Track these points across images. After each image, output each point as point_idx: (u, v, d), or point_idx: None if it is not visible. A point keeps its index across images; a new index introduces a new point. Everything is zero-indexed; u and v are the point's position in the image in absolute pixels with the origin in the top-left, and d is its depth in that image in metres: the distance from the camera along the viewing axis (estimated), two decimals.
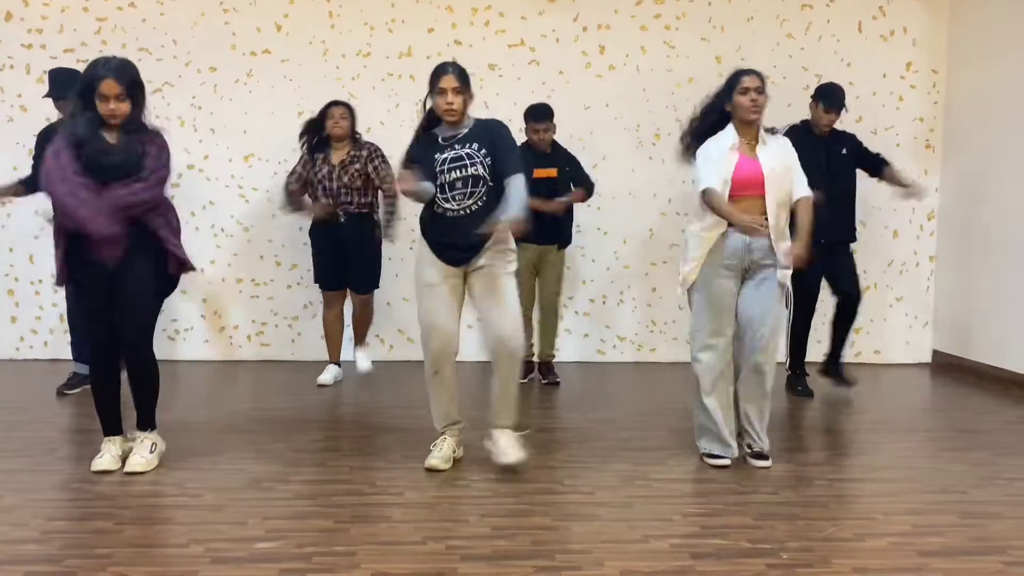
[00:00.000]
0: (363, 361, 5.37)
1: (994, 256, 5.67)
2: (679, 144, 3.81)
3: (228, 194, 5.87)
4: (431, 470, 3.46)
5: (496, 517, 2.99)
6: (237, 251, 5.92)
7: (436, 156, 3.44)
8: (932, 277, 6.29)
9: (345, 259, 5.12)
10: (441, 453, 3.52)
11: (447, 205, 3.43)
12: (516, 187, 3.37)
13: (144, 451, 3.47)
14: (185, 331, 5.91)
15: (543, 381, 5.33)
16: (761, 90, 3.56)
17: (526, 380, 5.29)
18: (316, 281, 5.32)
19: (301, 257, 5.74)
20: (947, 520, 3.04)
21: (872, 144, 5.25)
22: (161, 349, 5.63)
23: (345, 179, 4.97)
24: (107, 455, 3.45)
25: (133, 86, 3.32)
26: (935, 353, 6.27)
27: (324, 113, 5.04)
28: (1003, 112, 5.58)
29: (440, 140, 3.48)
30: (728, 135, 3.59)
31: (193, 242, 5.80)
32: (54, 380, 4.95)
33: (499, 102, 5.72)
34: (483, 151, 3.43)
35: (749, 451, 3.64)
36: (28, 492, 3.18)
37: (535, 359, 5.36)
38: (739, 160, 3.53)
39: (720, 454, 3.61)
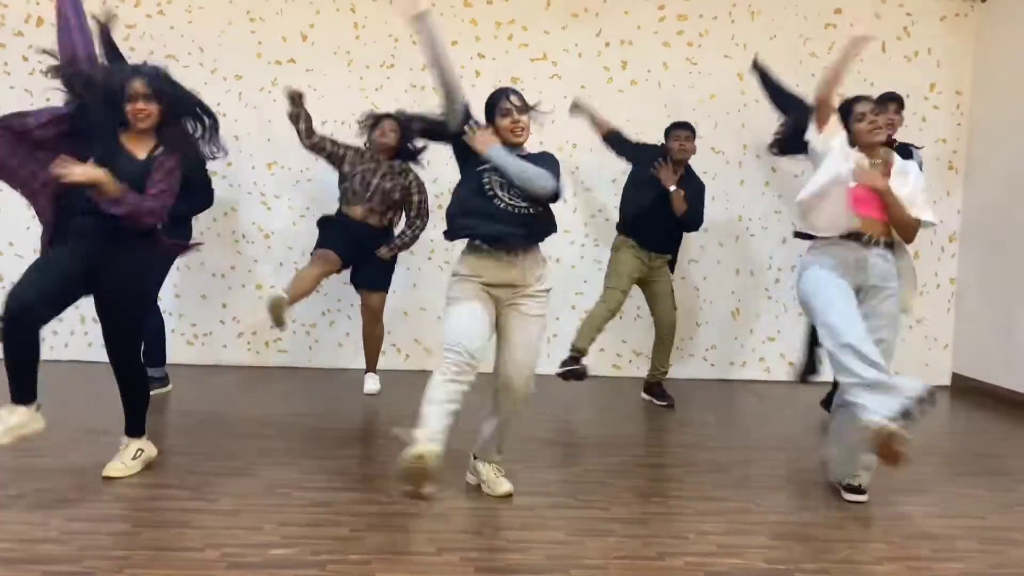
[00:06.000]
0: (372, 383, 5.20)
1: (1016, 279, 5.62)
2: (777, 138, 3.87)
3: (250, 201, 5.92)
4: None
5: (511, 530, 2.99)
6: (257, 257, 5.96)
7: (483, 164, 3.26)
8: (953, 299, 6.25)
9: (357, 254, 5.00)
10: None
11: (497, 202, 3.21)
12: (532, 164, 3.20)
13: (127, 457, 3.43)
14: (204, 336, 5.95)
15: (657, 403, 5.20)
16: (878, 111, 3.45)
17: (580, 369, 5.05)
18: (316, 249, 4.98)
19: None
20: (966, 545, 3.01)
21: None
22: (179, 353, 5.76)
23: (387, 184, 5.00)
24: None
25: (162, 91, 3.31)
26: (955, 376, 6.22)
27: (376, 123, 5.07)
28: None
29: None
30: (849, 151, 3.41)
31: (214, 248, 5.87)
32: (75, 381, 4.99)
33: None
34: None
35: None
36: (48, 492, 3.21)
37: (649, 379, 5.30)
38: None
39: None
